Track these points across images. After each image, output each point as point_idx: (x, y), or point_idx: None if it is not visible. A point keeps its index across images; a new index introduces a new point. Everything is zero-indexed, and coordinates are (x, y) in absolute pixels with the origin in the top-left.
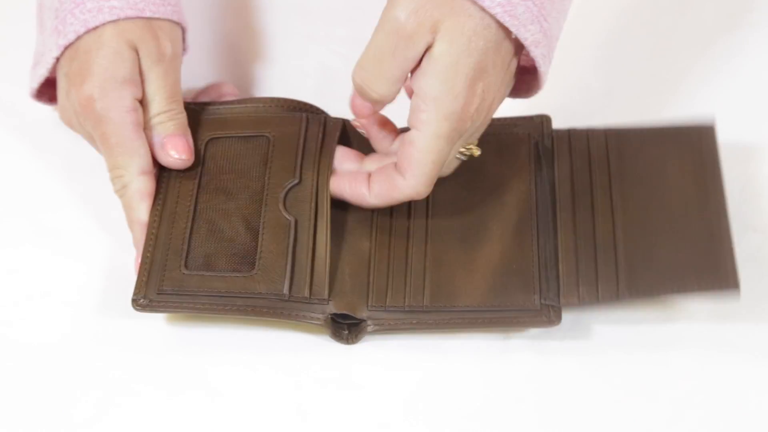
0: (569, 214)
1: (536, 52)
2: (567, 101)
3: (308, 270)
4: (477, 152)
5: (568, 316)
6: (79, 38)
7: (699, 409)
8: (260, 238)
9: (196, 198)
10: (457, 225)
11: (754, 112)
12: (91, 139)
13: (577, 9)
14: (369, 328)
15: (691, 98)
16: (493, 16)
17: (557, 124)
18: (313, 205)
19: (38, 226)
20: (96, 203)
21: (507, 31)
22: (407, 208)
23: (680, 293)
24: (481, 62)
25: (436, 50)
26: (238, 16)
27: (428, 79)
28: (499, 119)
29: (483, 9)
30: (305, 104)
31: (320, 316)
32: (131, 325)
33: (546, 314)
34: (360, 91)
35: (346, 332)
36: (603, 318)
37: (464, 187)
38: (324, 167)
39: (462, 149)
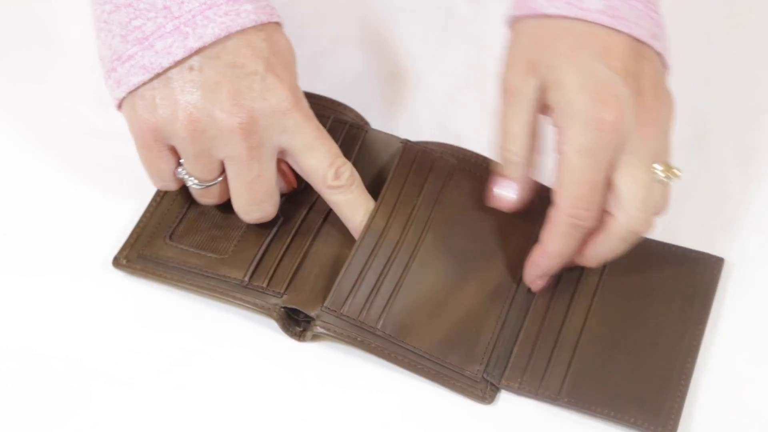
0: (545, 301)
1: (658, 46)
2: None
3: (275, 262)
4: (678, 173)
5: None
6: (219, 41)
7: (701, 406)
8: (243, 229)
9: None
10: (443, 263)
11: (754, 112)
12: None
13: None
14: (316, 329)
15: (692, 98)
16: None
17: None
18: (305, 212)
19: (38, 224)
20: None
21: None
22: (401, 228)
23: (615, 420)
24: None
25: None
26: None
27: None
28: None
29: (587, 21)
30: (331, 101)
31: (269, 305)
32: (118, 322)
33: (482, 389)
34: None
35: (299, 329)
36: None
37: (468, 230)
38: None
39: (660, 169)
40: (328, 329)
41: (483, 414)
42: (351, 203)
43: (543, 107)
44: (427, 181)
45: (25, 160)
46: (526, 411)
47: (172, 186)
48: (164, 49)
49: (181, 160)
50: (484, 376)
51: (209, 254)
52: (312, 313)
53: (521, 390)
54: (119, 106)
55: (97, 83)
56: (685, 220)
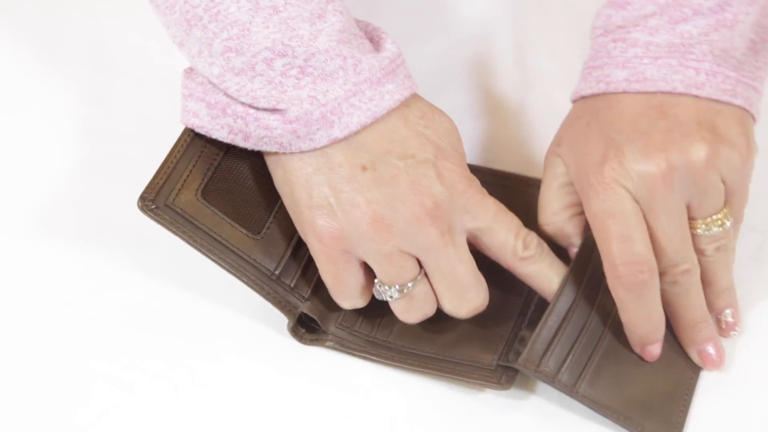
0: (568, 300)
1: (704, 93)
2: None
3: (302, 264)
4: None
5: None
6: (364, 128)
7: (703, 410)
8: (275, 209)
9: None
10: None
11: None
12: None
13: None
14: (327, 343)
15: None
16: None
17: None
18: None
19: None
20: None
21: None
22: None
23: (623, 425)
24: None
25: None
26: None
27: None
28: None
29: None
30: None
31: (290, 306)
32: (120, 324)
33: (498, 376)
34: None
35: (303, 331)
36: None
37: None
38: None
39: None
40: (342, 344)
41: (489, 411)
42: (545, 272)
43: None
44: None
45: (25, 159)
46: (528, 409)
47: (360, 303)
48: (307, 136)
49: (376, 280)
50: (500, 363)
51: (242, 230)
52: (327, 328)
53: (539, 373)
54: None
55: (97, 83)
56: None
